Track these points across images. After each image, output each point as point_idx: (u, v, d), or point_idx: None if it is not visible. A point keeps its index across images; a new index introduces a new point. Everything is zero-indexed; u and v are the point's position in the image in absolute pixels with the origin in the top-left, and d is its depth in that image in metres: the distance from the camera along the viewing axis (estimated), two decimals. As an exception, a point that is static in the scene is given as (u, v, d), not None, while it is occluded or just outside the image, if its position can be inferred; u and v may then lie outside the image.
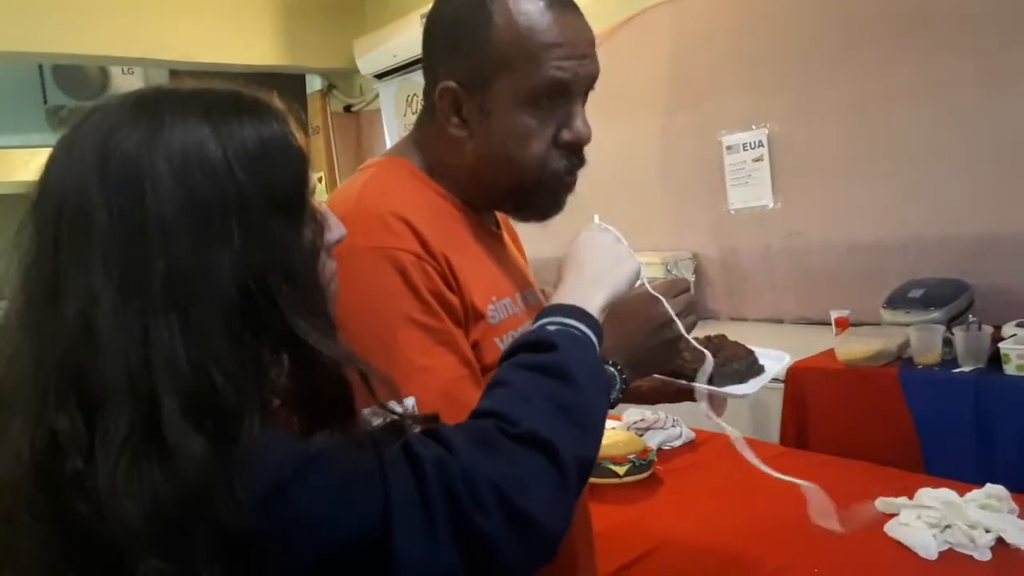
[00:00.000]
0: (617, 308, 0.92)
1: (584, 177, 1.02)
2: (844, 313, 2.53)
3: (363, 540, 0.62)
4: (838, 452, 2.05)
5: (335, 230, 0.78)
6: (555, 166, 0.97)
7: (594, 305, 0.85)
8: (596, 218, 0.99)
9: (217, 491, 0.58)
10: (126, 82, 4.50)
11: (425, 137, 1.03)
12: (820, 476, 1.83)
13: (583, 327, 0.81)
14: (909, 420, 2.04)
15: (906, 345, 2.18)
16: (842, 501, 1.47)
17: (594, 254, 0.91)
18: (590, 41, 0.97)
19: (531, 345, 0.78)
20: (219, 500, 0.57)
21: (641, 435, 2.09)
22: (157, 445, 0.58)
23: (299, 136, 0.74)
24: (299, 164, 0.72)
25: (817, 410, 2.26)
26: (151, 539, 0.57)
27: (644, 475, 1.90)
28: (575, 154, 0.98)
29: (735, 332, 1.20)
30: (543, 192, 0.99)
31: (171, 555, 0.57)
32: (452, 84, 0.95)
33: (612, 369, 0.88)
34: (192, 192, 0.64)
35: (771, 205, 2.87)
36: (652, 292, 0.94)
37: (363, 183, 0.97)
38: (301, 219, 0.71)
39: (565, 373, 0.74)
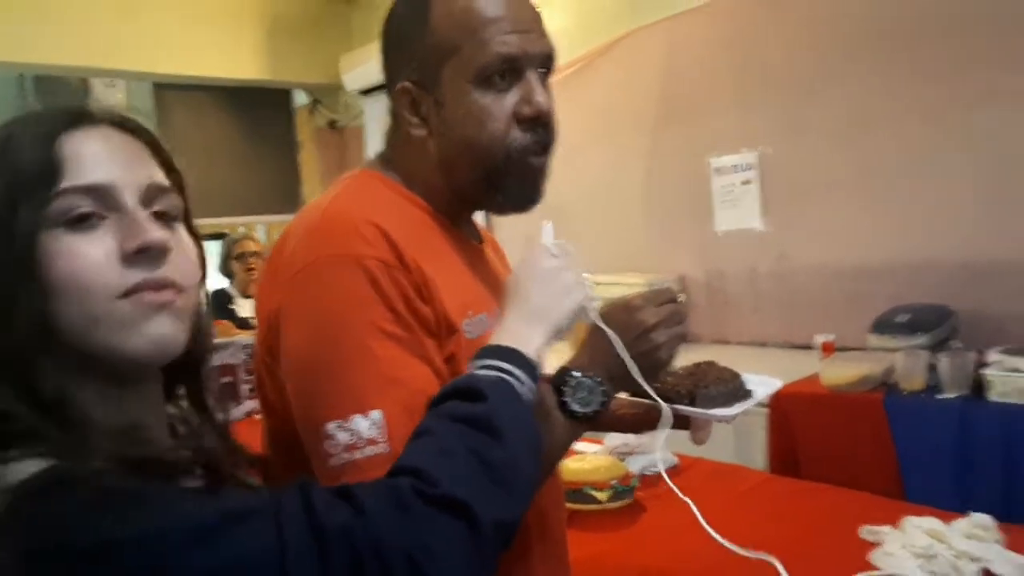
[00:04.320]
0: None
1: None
2: (830, 337, 2.51)
3: None
4: (823, 478, 2.01)
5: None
6: (519, 141, 0.94)
7: (534, 345, 0.83)
8: (547, 227, 0.95)
9: None
10: (107, 95, 4.46)
11: (394, 150, 1.02)
12: (803, 503, 1.83)
13: (519, 372, 0.78)
14: (891, 446, 2.02)
15: (891, 370, 2.17)
16: (825, 529, 1.45)
17: (538, 285, 0.89)
18: (534, 17, 0.95)
19: (461, 392, 0.75)
20: None
21: (623, 460, 2.06)
22: None
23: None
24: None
25: (802, 436, 2.23)
26: None
27: (625, 501, 1.86)
28: (539, 129, 0.95)
29: (717, 355, 1.17)
30: (512, 173, 0.95)
31: None
32: (407, 84, 0.95)
33: (593, 382, 0.86)
34: None
35: (759, 227, 2.86)
36: (599, 324, 0.91)
37: (334, 195, 0.95)
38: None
39: (493, 427, 0.71)
